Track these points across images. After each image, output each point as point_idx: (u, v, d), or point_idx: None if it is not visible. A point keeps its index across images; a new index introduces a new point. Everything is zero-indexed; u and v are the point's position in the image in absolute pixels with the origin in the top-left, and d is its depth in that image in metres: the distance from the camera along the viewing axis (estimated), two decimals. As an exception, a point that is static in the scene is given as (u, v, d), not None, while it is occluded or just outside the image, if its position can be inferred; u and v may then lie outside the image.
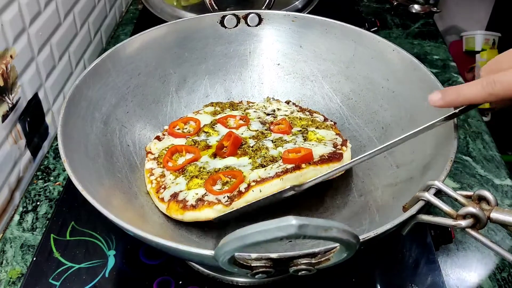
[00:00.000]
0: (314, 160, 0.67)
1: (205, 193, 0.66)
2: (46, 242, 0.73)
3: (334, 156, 0.68)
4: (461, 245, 0.76)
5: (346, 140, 0.76)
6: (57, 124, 0.62)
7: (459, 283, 0.71)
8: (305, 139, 0.75)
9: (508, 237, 0.77)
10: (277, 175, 0.65)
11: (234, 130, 0.79)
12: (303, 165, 0.66)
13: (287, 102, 0.88)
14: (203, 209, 0.64)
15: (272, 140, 0.75)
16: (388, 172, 0.71)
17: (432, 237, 0.73)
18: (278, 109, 0.85)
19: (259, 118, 0.83)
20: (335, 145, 0.72)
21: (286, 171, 0.65)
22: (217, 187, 0.67)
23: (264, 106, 0.86)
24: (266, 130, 0.79)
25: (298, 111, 0.85)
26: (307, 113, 0.84)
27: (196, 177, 0.69)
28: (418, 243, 0.73)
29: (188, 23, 0.86)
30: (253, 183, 0.65)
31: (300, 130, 0.78)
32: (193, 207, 0.65)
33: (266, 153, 0.71)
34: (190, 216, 0.65)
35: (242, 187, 0.65)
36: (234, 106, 0.86)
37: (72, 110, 0.66)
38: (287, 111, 0.85)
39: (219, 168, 0.70)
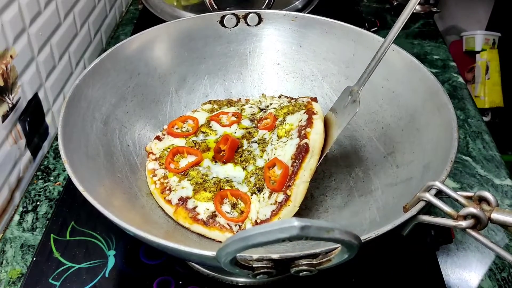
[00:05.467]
0: (290, 172, 0.66)
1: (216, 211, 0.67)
2: (46, 242, 0.73)
3: (300, 153, 0.66)
4: (461, 245, 0.76)
5: (315, 98, 0.76)
6: (57, 124, 0.62)
7: (459, 283, 0.71)
8: (279, 137, 0.73)
9: (507, 235, 0.77)
10: (274, 214, 0.66)
11: (227, 128, 0.79)
12: (288, 192, 0.65)
13: (279, 96, 0.87)
14: (213, 229, 0.65)
15: (257, 141, 0.75)
16: (388, 172, 0.71)
17: (432, 237, 0.73)
18: (271, 104, 0.85)
19: (253, 114, 0.82)
20: (299, 132, 0.69)
21: (280, 208, 0.65)
22: (226, 208, 0.67)
23: (259, 101, 0.86)
24: (254, 127, 0.79)
25: (288, 102, 0.82)
26: (294, 101, 0.81)
27: (204, 189, 0.69)
28: (418, 243, 0.73)
29: (187, 22, 0.86)
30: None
31: (281, 121, 0.76)
32: (204, 223, 0.66)
33: (254, 163, 0.72)
34: (198, 229, 0.66)
35: (248, 224, 0.67)
36: (232, 104, 0.86)
37: (72, 110, 0.66)
38: (277, 104, 0.83)
39: (221, 179, 0.71)
